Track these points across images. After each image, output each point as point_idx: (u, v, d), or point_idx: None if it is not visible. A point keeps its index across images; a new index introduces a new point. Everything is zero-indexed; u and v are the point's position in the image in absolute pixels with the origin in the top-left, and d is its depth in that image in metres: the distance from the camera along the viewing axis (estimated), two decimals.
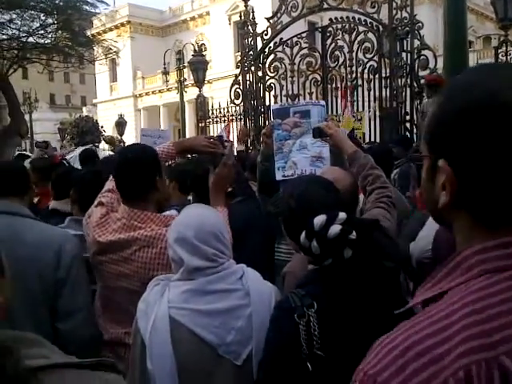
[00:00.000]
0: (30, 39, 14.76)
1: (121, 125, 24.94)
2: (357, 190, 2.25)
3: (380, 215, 2.07)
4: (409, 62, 7.83)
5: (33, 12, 14.04)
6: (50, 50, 15.11)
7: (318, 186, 1.75)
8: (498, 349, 0.63)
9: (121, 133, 24.38)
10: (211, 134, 11.08)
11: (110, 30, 33.57)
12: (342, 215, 1.47)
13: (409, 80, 7.86)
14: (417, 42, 7.77)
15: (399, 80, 7.93)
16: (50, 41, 15.18)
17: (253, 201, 3.31)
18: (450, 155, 0.74)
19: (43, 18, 14.43)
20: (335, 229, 1.43)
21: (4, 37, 14.56)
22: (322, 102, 3.15)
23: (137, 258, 2.01)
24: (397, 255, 1.62)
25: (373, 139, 8.46)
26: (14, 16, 13.98)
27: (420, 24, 7.70)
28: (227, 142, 2.59)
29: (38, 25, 14.45)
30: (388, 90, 8.10)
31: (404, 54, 7.90)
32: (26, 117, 18.11)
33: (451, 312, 0.67)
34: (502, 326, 0.64)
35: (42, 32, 14.75)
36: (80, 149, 8.27)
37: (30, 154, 9.50)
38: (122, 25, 36.69)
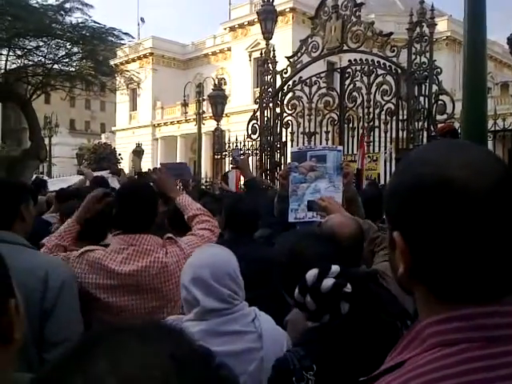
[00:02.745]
0: (55, 66, 15.15)
1: (138, 153, 25.19)
2: (362, 236, 2.21)
3: (388, 270, 2.05)
4: (426, 106, 7.86)
5: (59, 41, 14.44)
6: (74, 78, 15.48)
7: (308, 238, 1.73)
8: None
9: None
10: (226, 166, 11.12)
11: (133, 60, 34.31)
12: (335, 268, 1.43)
13: (426, 124, 7.87)
14: (435, 87, 7.81)
15: (416, 123, 7.95)
16: (74, 69, 15.57)
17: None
18: (403, 228, 0.74)
19: (69, 46, 14.84)
20: (328, 282, 1.39)
21: (30, 63, 14.99)
22: (339, 148, 3.18)
23: (159, 284, 2.13)
24: (395, 308, 1.56)
25: (388, 180, 8.42)
26: (41, 43, 14.39)
27: (439, 69, 7.76)
28: (243, 155, 2.79)
29: (63, 53, 14.85)
30: (405, 132, 8.12)
31: (422, 98, 7.94)
32: (46, 140, 18.44)
33: None
34: None
35: (67, 60, 15.15)
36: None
37: (46, 178, 9.65)
38: (145, 56, 37.50)
